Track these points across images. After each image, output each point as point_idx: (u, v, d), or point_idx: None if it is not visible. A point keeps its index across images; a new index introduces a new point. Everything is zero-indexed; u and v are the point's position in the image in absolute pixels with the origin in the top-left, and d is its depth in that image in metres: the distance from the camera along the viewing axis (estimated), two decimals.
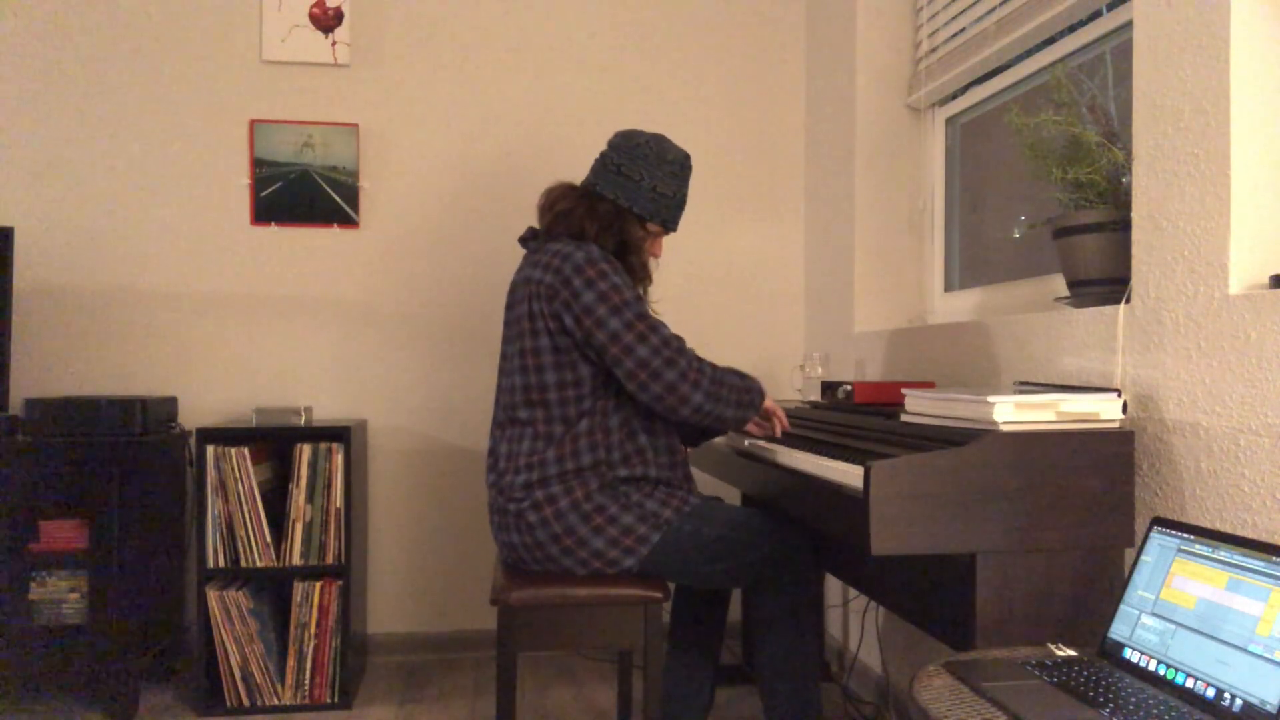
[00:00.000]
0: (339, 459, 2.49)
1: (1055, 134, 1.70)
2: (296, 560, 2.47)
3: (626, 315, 1.74)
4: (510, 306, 1.89)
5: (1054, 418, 1.41)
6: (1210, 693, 1.07)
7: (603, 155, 1.93)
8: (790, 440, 1.97)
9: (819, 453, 1.73)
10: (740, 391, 1.81)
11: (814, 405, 2.21)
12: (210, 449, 2.42)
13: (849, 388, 2.02)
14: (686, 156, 1.96)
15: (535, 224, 2.97)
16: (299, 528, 2.47)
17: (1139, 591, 1.23)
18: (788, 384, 3.15)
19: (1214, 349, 1.35)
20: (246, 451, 2.43)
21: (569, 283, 1.76)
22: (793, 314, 3.16)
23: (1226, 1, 1.33)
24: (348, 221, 2.88)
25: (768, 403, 1.95)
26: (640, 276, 1.95)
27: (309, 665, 2.46)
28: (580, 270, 1.76)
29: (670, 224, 1.96)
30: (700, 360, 1.77)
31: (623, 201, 1.89)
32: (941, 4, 2.49)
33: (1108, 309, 1.57)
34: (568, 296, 1.76)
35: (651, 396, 1.74)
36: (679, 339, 1.78)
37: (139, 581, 2.41)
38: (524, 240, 1.97)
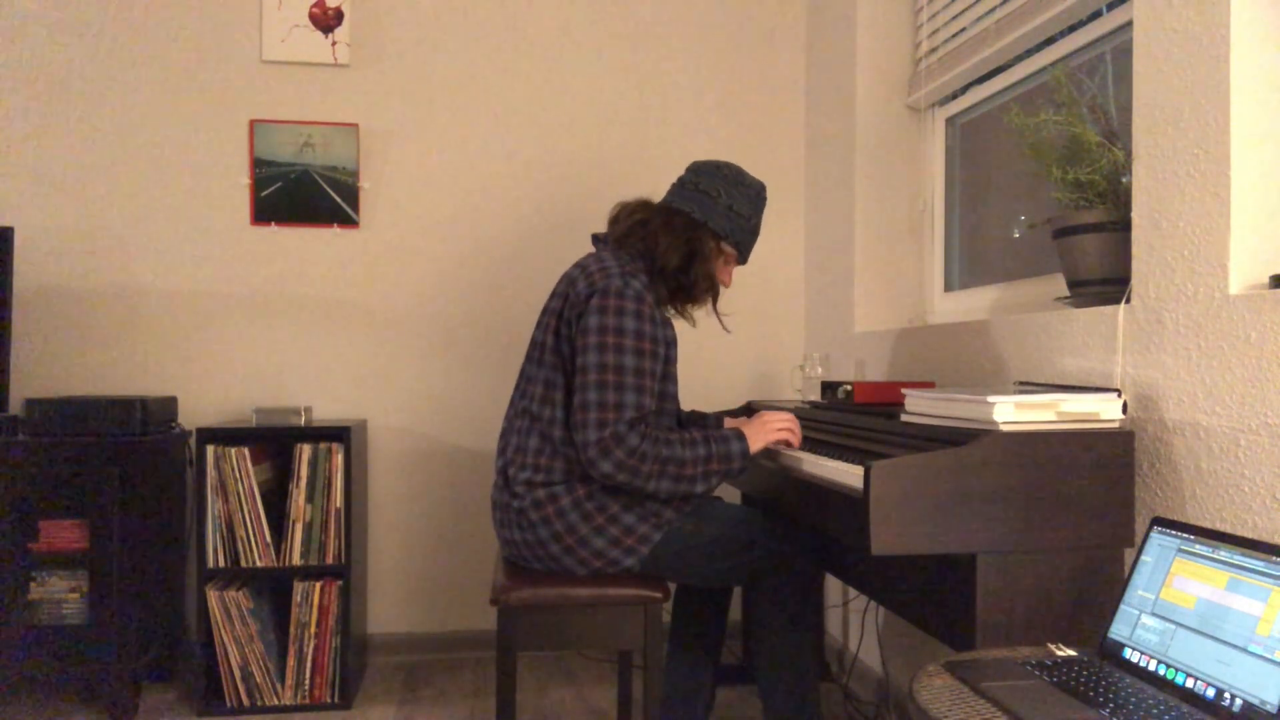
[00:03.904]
0: (339, 459, 2.49)
1: (1055, 134, 1.70)
2: (296, 560, 2.47)
3: (608, 376, 1.70)
4: (550, 297, 1.90)
5: (1054, 418, 1.41)
6: (1210, 693, 1.07)
7: (680, 179, 1.95)
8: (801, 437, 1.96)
9: (819, 453, 1.72)
10: (690, 465, 1.73)
11: (814, 405, 2.21)
12: (210, 449, 2.42)
13: (849, 388, 2.02)
14: (763, 186, 1.97)
15: (536, 222, 2.98)
16: (299, 528, 2.47)
17: (1139, 591, 1.23)
18: (788, 384, 3.15)
19: (1214, 349, 1.35)
20: (246, 451, 2.43)
21: (591, 298, 1.76)
22: (793, 314, 3.16)
23: (1226, 1, 1.33)
24: (348, 221, 2.88)
25: (773, 434, 1.85)
26: (704, 289, 1.93)
27: (309, 665, 2.46)
28: (607, 294, 1.75)
29: (743, 249, 1.96)
30: (645, 453, 1.69)
31: (698, 215, 1.89)
32: (941, 4, 2.49)
33: (1108, 309, 1.57)
34: (583, 310, 1.77)
35: (581, 454, 1.72)
36: (640, 429, 1.70)
37: (139, 581, 2.41)
38: (595, 239, 1.99)
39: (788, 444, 1.88)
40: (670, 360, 1.85)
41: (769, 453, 1.90)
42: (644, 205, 1.94)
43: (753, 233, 1.96)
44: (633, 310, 1.74)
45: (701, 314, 2.02)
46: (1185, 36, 1.41)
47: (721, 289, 1.99)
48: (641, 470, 1.68)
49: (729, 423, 2.08)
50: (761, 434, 1.83)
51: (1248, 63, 1.33)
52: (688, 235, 1.89)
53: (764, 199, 1.97)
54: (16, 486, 2.36)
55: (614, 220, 1.96)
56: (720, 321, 2.11)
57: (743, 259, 1.98)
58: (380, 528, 2.92)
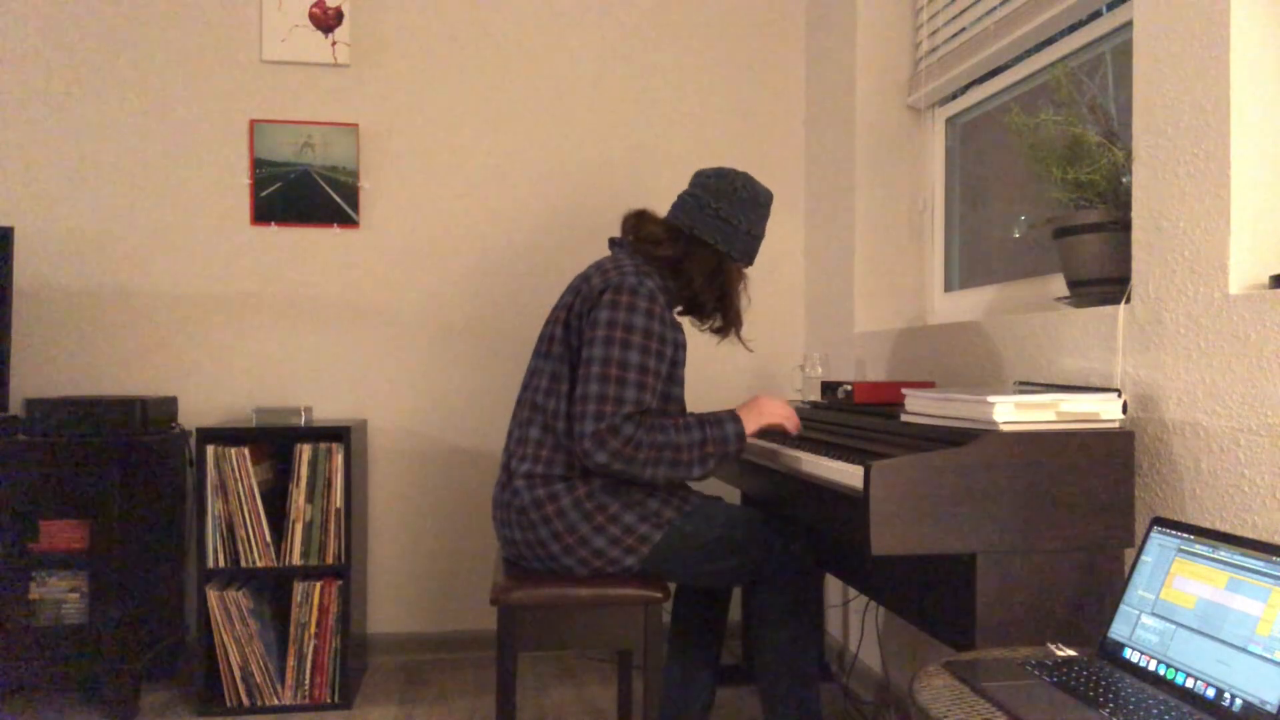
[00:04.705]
0: (339, 459, 2.49)
1: (1055, 134, 1.70)
2: (296, 560, 2.47)
3: (611, 369, 1.71)
4: (563, 294, 1.92)
5: (1054, 418, 1.41)
6: (1210, 693, 1.07)
7: (696, 196, 1.91)
8: (791, 440, 1.97)
9: (819, 453, 1.72)
10: (686, 449, 1.73)
11: (814, 405, 2.21)
12: (210, 449, 2.42)
13: (849, 388, 2.02)
14: (771, 195, 1.98)
15: (536, 221, 2.98)
16: (299, 528, 2.47)
17: (1139, 591, 1.23)
18: (788, 384, 3.15)
19: (1214, 349, 1.35)
20: (246, 451, 2.43)
21: (604, 293, 1.77)
22: (793, 314, 3.16)
23: (1226, 1, 1.33)
24: (348, 221, 2.88)
25: (769, 417, 1.85)
26: (734, 322, 1.96)
27: (309, 665, 2.46)
28: (620, 290, 1.76)
29: (751, 263, 1.99)
30: (640, 441, 1.68)
31: (722, 246, 1.90)
32: (941, 4, 2.49)
33: (1108, 309, 1.57)
34: (594, 304, 1.78)
35: (577, 445, 1.72)
36: (636, 421, 1.70)
37: (139, 581, 2.41)
38: (611, 243, 2.00)
39: (785, 431, 1.88)
40: (678, 363, 1.86)
41: (769, 453, 1.90)
42: (670, 235, 1.91)
43: (759, 242, 1.98)
44: (644, 308, 1.75)
45: (706, 334, 2.03)
46: (1185, 36, 1.41)
47: (744, 307, 2.02)
48: (637, 458, 1.69)
49: None
50: (756, 416, 1.83)
51: (1248, 63, 1.33)
52: (718, 274, 1.91)
53: (771, 205, 1.98)
54: (16, 486, 2.36)
55: (634, 232, 1.94)
56: (745, 346, 2.12)
57: (749, 265, 2.01)
58: (380, 528, 2.92)
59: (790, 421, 1.87)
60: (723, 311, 1.96)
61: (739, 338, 2.03)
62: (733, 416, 1.79)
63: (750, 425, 1.81)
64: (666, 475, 1.73)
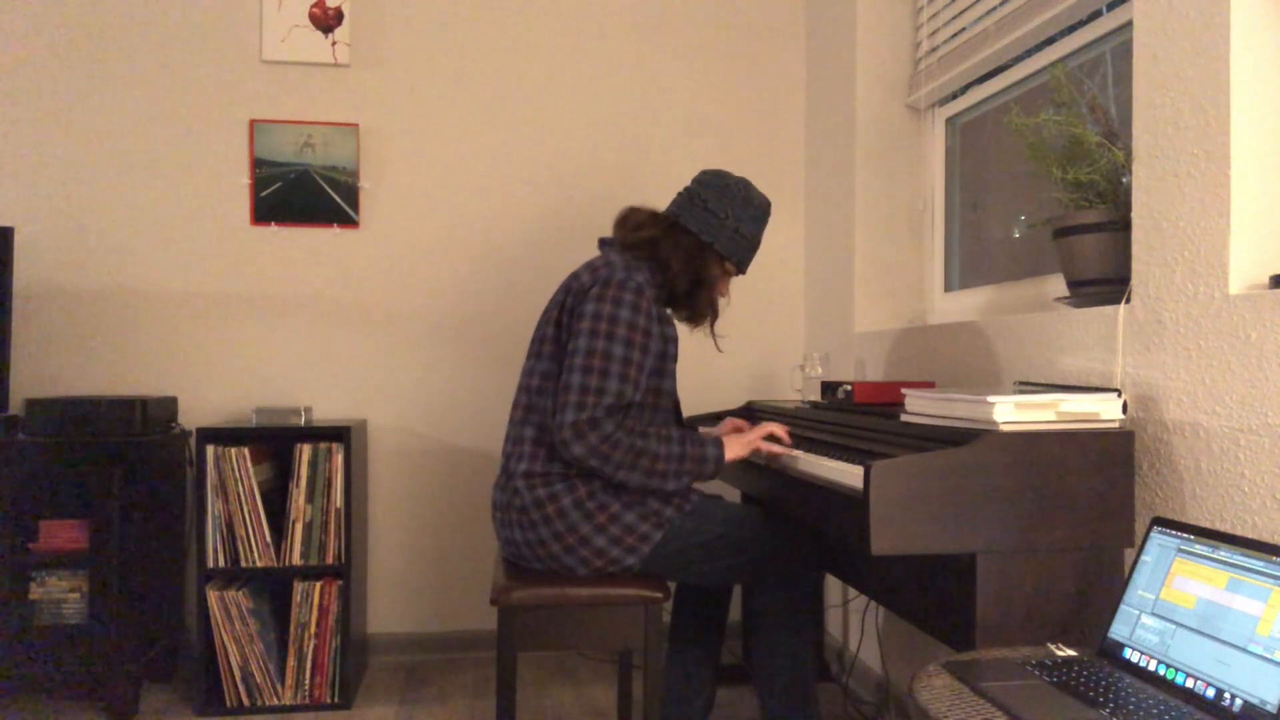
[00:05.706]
0: (339, 459, 2.49)
1: (1055, 134, 1.70)
2: (296, 560, 2.47)
3: (594, 360, 1.71)
4: (554, 293, 1.93)
5: (1054, 418, 1.41)
6: (1210, 693, 1.07)
7: (689, 191, 1.96)
8: (792, 441, 1.96)
9: (819, 453, 1.73)
10: (664, 460, 1.73)
11: (814, 405, 2.21)
12: (210, 449, 2.42)
13: (849, 388, 2.02)
14: (769, 204, 1.99)
15: (536, 221, 2.98)
16: (299, 528, 2.47)
17: (1139, 591, 1.23)
18: (788, 384, 3.15)
19: (1214, 349, 1.35)
20: (246, 451, 2.43)
21: (592, 288, 1.79)
22: (793, 314, 3.16)
23: (1226, 1, 1.33)
24: (348, 221, 2.88)
25: (752, 445, 1.85)
26: (706, 314, 1.97)
27: (309, 665, 2.46)
28: (608, 284, 1.78)
29: (743, 267, 1.99)
30: (618, 441, 1.68)
31: (705, 236, 1.91)
32: (941, 4, 2.49)
33: (1108, 309, 1.57)
34: (584, 298, 1.79)
35: (556, 434, 1.72)
36: (618, 417, 1.71)
37: (139, 581, 2.41)
38: (600, 243, 2.02)
39: (776, 440, 1.89)
40: (667, 357, 1.86)
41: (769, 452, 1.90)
42: (653, 219, 1.94)
43: (754, 249, 1.98)
44: (630, 301, 1.76)
45: (700, 334, 2.04)
46: (1185, 36, 1.41)
47: (721, 307, 2.02)
48: (612, 458, 1.69)
49: (727, 425, 2.09)
50: (739, 445, 1.85)
51: (1248, 63, 1.33)
52: (695, 260, 1.92)
53: (769, 215, 2.00)
54: (16, 486, 2.36)
55: (622, 224, 1.97)
56: (715, 343, 2.14)
57: (742, 271, 2.02)
58: (380, 528, 2.92)
59: (774, 438, 1.86)
60: (694, 300, 1.95)
61: (711, 333, 2.05)
62: (716, 441, 1.81)
63: (731, 452, 1.82)
64: (640, 482, 1.73)
